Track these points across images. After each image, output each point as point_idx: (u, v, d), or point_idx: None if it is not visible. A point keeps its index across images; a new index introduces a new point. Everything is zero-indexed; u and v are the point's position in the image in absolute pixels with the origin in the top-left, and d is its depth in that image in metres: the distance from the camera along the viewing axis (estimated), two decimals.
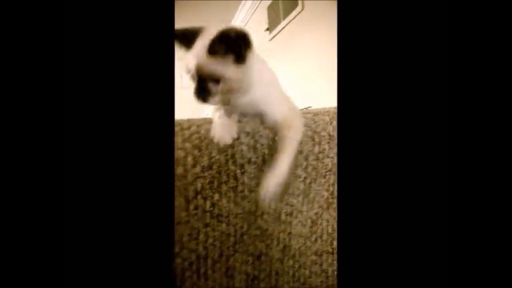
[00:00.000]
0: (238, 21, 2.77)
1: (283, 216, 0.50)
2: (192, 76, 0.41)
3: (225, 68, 0.41)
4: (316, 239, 0.55)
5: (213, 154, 0.40)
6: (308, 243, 0.54)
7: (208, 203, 0.40)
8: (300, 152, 0.48)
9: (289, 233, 0.51)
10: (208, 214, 0.41)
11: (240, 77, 0.41)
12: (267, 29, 2.04)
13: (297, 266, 0.54)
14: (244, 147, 0.42)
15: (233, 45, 0.40)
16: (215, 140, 0.39)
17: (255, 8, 2.31)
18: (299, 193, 0.50)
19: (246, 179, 0.43)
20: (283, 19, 1.73)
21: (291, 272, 0.52)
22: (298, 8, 1.53)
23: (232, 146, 0.42)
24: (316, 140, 0.49)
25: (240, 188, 0.43)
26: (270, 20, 1.98)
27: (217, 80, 0.40)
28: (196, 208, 0.40)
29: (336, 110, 0.53)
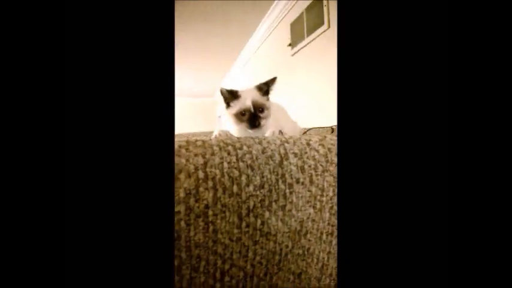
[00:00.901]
0: (259, 35, 2.85)
1: (324, 236, 0.50)
2: (248, 110, 0.61)
3: (265, 100, 0.64)
4: None
5: (265, 173, 0.42)
6: None
7: (259, 221, 0.42)
8: None
9: (329, 252, 0.52)
10: (258, 232, 0.42)
11: (269, 106, 0.64)
12: (289, 45, 2.09)
13: (333, 284, 0.54)
14: (293, 168, 0.44)
15: (267, 86, 0.64)
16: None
17: (278, 22, 2.37)
18: None
19: (294, 198, 0.44)
20: (307, 36, 1.77)
21: None
22: (324, 27, 1.56)
23: (281, 166, 0.43)
24: None
25: (288, 206, 0.44)
26: (293, 35, 2.02)
27: (262, 110, 0.61)
28: (247, 226, 0.41)
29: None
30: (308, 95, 1.80)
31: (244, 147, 0.44)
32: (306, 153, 0.46)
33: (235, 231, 0.41)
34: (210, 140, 0.44)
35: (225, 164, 0.41)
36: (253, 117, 0.62)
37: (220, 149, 0.42)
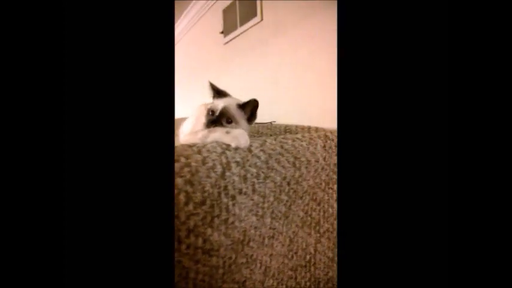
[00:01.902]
0: (187, 19, 2.66)
1: (266, 240, 0.51)
2: (214, 112, 0.61)
3: (239, 117, 0.62)
4: (292, 256, 0.58)
5: (206, 188, 0.39)
6: (286, 261, 0.57)
7: (200, 240, 0.39)
8: (283, 177, 0.50)
9: (271, 255, 0.53)
10: (199, 250, 0.39)
11: (243, 126, 0.62)
12: (222, 32, 2.01)
13: (275, 283, 0.56)
14: (236, 178, 0.42)
15: (250, 108, 0.62)
16: (236, 145, 0.45)
17: (209, 6, 2.25)
18: (281, 216, 0.52)
19: (237, 210, 0.42)
20: (240, 26, 1.74)
21: None
22: (257, 18, 1.55)
23: (224, 177, 0.41)
24: (297, 165, 0.52)
25: (231, 219, 0.42)
26: (226, 23, 1.95)
27: (229, 121, 0.60)
28: (188, 247, 0.37)
29: (312, 136, 0.57)
30: (241, 88, 1.80)
31: (182, 159, 0.39)
32: (248, 160, 0.44)
33: (175, 254, 0.37)
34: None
35: None
36: (214, 119, 0.60)
37: None
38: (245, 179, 0.43)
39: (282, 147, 0.50)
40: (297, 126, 0.88)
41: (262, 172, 0.46)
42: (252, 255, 0.48)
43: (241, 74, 1.84)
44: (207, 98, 0.72)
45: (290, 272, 0.58)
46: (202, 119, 0.63)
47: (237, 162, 0.43)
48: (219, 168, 0.40)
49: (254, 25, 1.61)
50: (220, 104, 0.62)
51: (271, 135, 0.68)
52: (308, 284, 0.62)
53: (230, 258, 0.44)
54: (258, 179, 0.45)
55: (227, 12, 1.91)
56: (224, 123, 0.59)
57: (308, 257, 0.61)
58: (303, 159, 0.53)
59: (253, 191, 0.44)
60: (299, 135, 0.56)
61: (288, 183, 0.51)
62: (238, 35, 1.79)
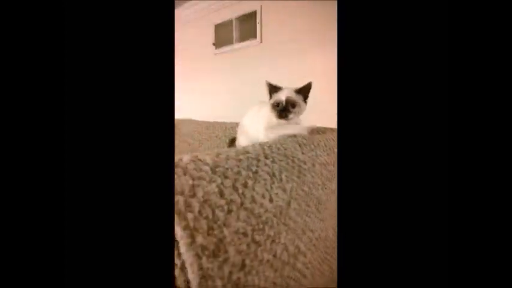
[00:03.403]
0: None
1: None
2: (281, 102, 0.75)
3: (299, 99, 0.77)
4: None
5: None
6: None
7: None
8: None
9: None
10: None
11: (303, 107, 0.79)
12: (214, 44, 2.15)
13: None
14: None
15: (306, 91, 0.78)
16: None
17: (199, 17, 2.35)
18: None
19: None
20: (236, 42, 1.92)
21: None
22: (257, 41, 1.76)
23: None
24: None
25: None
26: (218, 37, 2.10)
27: (293, 105, 0.75)
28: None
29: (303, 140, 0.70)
30: (229, 97, 1.98)
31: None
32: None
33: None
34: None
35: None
36: (282, 108, 0.74)
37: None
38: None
39: None
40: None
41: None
42: None
43: (231, 83, 2.02)
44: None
45: None
46: (270, 114, 0.77)
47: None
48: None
49: (253, 46, 1.81)
50: (282, 95, 0.76)
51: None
52: None
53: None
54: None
55: (221, 27, 2.06)
56: (290, 108, 0.75)
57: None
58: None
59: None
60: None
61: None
62: (233, 50, 1.97)
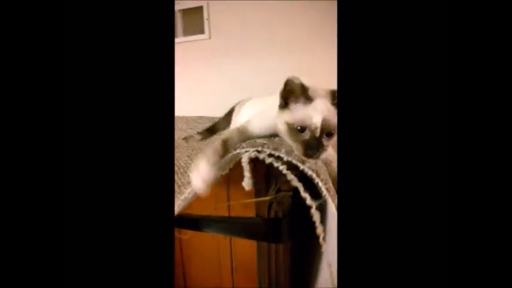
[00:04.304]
0: None
1: None
2: (312, 131, 0.43)
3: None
4: None
5: None
6: None
7: None
8: None
9: None
10: None
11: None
12: None
13: None
14: None
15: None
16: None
17: None
18: None
19: None
20: (184, 35, 1.84)
21: None
22: (205, 36, 1.73)
23: None
24: None
25: None
26: None
27: (330, 134, 0.44)
28: None
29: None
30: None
31: None
32: None
33: None
34: None
35: None
36: (315, 143, 0.44)
37: None
38: None
39: None
40: None
41: None
42: None
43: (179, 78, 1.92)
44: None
45: None
46: (286, 137, 0.47)
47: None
48: None
49: (200, 40, 1.77)
50: (315, 114, 0.44)
51: None
52: None
53: None
54: None
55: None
56: (325, 142, 0.44)
57: None
58: None
59: None
60: None
61: None
62: (179, 43, 1.88)
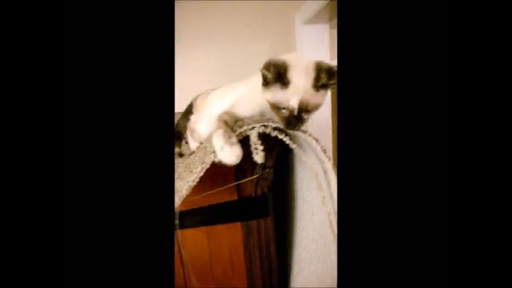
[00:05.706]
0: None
1: None
2: (291, 111, 0.51)
3: (323, 97, 0.52)
4: None
5: None
6: None
7: None
8: None
9: None
10: None
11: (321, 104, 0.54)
12: None
13: None
14: None
15: (330, 76, 0.50)
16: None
17: None
18: None
19: None
20: None
21: None
22: None
23: None
24: None
25: None
26: None
27: (309, 111, 0.52)
28: None
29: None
30: None
31: None
32: None
33: None
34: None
35: None
36: (294, 119, 0.51)
37: None
38: None
39: None
40: None
41: None
42: None
43: None
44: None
45: None
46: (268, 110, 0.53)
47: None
48: None
49: None
50: (294, 96, 0.50)
51: None
52: None
53: None
54: None
55: None
56: (305, 116, 0.52)
57: None
58: None
59: None
60: None
61: None
62: None
